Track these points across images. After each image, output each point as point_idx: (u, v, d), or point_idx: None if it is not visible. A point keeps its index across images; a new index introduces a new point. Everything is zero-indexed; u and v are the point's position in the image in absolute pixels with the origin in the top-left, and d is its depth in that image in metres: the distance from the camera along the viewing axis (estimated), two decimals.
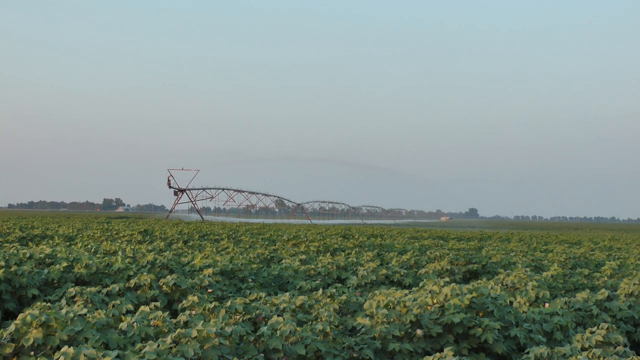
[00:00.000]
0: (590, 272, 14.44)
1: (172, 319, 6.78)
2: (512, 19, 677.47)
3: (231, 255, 14.04)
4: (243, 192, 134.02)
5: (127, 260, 11.53)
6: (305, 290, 10.53)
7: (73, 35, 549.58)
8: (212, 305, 7.33)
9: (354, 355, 6.45)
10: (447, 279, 8.12)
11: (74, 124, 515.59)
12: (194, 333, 5.49)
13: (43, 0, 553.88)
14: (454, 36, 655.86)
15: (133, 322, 6.28)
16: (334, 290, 8.67)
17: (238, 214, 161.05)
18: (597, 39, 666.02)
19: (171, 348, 5.32)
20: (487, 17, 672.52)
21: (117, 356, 5.06)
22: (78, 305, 7.22)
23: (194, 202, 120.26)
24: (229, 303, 7.45)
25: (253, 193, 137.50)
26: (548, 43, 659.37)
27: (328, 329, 6.46)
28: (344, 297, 8.55)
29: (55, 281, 9.82)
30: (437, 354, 5.72)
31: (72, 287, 8.50)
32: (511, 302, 9.13)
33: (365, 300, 8.31)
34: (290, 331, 6.19)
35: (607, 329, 6.88)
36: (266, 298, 8.26)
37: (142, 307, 6.68)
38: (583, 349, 6.66)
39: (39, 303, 6.90)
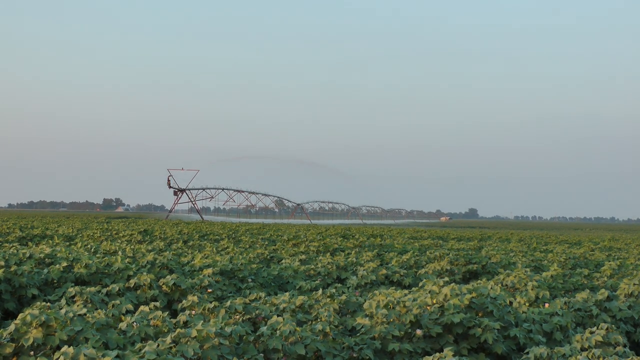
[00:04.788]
0: (590, 272, 14.42)
1: (171, 319, 6.77)
2: (512, 19, 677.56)
3: (231, 255, 14.04)
4: (243, 192, 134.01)
5: (127, 260, 11.52)
6: (305, 290, 10.52)
7: (73, 36, 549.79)
8: (211, 305, 7.33)
9: (354, 355, 6.45)
10: (446, 279, 8.13)
11: (74, 124, 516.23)
12: (194, 333, 5.49)
13: (42, 0, 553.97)
14: (455, 36, 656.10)
15: (133, 322, 6.28)
16: (334, 291, 8.66)
17: (238, 214, 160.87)
18: (596, 39, 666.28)
19: (171, 348, 5.32)
20: (487, 17, 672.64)
21: (117, 356, 5.06)
22: (78, 305, 7.20)
23: (193, 202, 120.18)
24: (228, 303, 7.45)
25: (253, 193, 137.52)
26: (548, 43, 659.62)
27: (328, 329, 6.46)
28: (343, 297, 8.55)
29: (55, 281, 9.82)
30: (437, 354, 5.71)
31: (71, 287, 8.48)
32: (511, 302, 9.12)
33: (365, 301, 8.30)
34: (289, 331, 6.19)
35: (607, 329, 6.87)
36: (266, 298, 8.26)
37: (141, 307, 6.67)
38: (583, 349, 6.65)
39: (38, 303, 6.89)
